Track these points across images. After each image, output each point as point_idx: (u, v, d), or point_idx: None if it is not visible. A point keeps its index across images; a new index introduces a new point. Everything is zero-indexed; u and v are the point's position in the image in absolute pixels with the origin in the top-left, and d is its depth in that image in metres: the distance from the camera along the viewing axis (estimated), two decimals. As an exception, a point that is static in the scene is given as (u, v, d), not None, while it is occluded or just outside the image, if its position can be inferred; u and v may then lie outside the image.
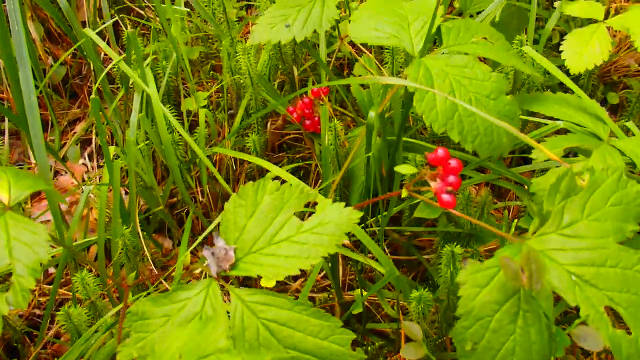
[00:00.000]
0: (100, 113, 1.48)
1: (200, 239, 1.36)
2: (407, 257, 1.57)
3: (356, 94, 1.56)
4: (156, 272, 1.56)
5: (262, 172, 1.69)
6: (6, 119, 1.84)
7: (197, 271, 1.52)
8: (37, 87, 1.53)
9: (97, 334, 1.28)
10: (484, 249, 1.45)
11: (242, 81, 1.62)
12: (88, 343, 1.27)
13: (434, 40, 1.29)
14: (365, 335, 1.46)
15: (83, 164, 1.86)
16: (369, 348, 1.43)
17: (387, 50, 1.59)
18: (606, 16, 1.56)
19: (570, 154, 1.53)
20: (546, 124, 1.31)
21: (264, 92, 1.62)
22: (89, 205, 1.61)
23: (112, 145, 1.79)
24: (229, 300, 0.98)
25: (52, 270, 1.62)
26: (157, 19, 1.79)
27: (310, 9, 1.39)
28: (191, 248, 1.42)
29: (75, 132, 1.91)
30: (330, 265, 1.41)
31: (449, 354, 1.34)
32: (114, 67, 1.64)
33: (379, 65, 1.61)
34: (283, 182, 1.11)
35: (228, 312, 0.97)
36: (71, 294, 1.44)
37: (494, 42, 1.27)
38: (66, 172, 1.81)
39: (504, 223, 1.20)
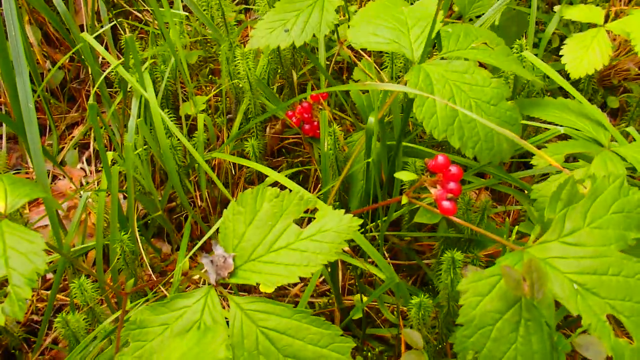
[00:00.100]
0: (98, 118, 1.47)
1: (199, 244, 1.35)
2: (407, 262, 1.56)
3: (355, 98, 1.55)
4: (155, 278, 1.55)
5: (261, 177, 1.68)
6: (3, 124, 1.83)
7: (196, 277, 1.51)
8: (34, 91, 1.52)
9: (95, 341, 1.27)
10: (484, 254, 1.44)
11: (241, 85, 1.61)
12: (86, 350, 1.26)
13: (433, 45, 1.28)
14: (365, 340, 1.45)
15: (81, 168, 1.85)
16: (369, 354, 1.42)
17: (387, 54, 1.59)
18: (606, 20, 1.56)
19: (570, 158, 1.53)
20: (547, 129, 1.31)
21: (263, 97, 1.62)
22: (87, 210, 1.60)
23: (111, 150, 1.78)
24: (228, 306, 0.97)
25: (50, 275, 1.61)
26: (156, 22, 1.78)
27: (309, 14, 1.39)
28: (190, 254, 1.41)
29: (73, 137, 1.90)
30: (329, 270, 1.40)
31: (449, 360, 1.34)
32: (112, 71, 1.63)
33: (379, 70, 1.60)
34: (282, 188, 1.11)
35: (227, 319, 0.96)
36: (69, 299, 1.43)
37: (494, 47, 1.26)
38: (64, 177, 1.80)
39: (505, 229, 1.19)
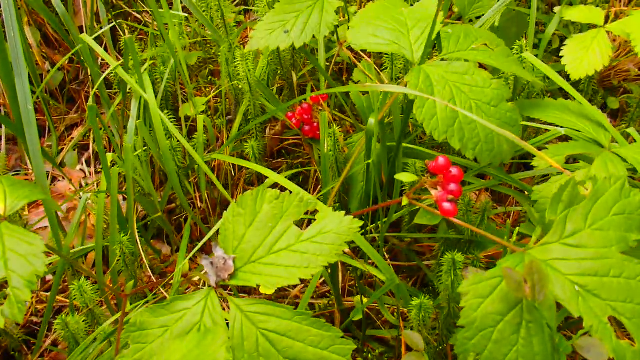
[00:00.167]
0: (98, 119, 1.47)
1: (199, 245, 1.35)
2: (407, 263, 1.56)
3: (355, 99, 1.55)
4: (154, 279, 1.55)
5: (261, 178, 1.68)
6: (3, 125, 1.83)
7: (196, 278, 1.51)
8: (34, 92, 1.51)
9: (95, 342, 1.27)
10: (484, 255, 1.44)
11: (240, 86, 1.61)
12: (86, 352, 1.26)
13: (433, 46, 1.28)
14: (366, 341, 1.45)
15: (81, 169, 1.85)
16: (370, 355, 1.42)
17: (386, 55, 1.59)
18: (606, 21, 1.56)
19: (571, 159, 1.52)
20: (547, 130, 1.31)
21: (263, 98, 1.61)
22: (87, 212, 1.60)
23: (110, 151, 1.78)
24: (228, 308, 0.97)
25: (49, 277, 1.60)
26: (155, 24, 1.78)
27: (308, 15, 1.39)
28: (190, 255, 1.40)
29: (72, 138, 1.89)
30: (329, 271, 1.40)
31: (450, 362, 1.34)
32: (112, 72, 1.63)
33: (378, 71, 1.60)
34: (282, 189, 1.10)
35: (227, 321, 0.96)
36: (69, 301, 1.43)
37: (494, 49, 1.26)
38: (63, 178, 1.80)
39: (506, 231, 1.19)
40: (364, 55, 1.62)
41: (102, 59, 1.90)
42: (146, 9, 1.99)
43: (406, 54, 1.25)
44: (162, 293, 1.46)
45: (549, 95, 1.70)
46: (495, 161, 1.19)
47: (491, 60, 1.24)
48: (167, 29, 1.59)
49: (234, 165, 1.67)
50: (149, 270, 1.54)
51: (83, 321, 1.30)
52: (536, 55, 1.41)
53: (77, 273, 1.49)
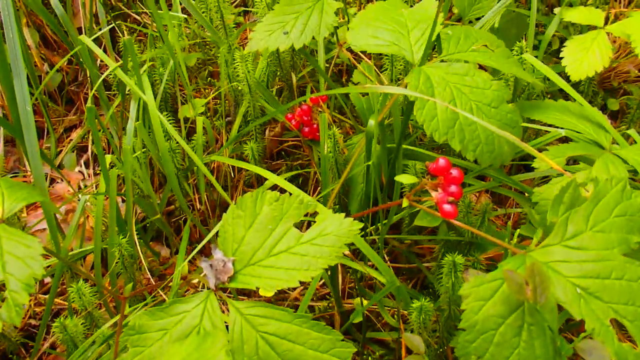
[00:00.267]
0: (97, 121, 1.46)
1: (198, 247, 1.34)
2: (407, 265, 1.56)
3: (355, 101, 1.54)
4: (153, 282, 1.54)
5: (260, 180, 1.67)
6: (1, 127, 1.82)
7: (195, 280, 1.50)
8: (32, 94, 1.51)
9: (93, 345, 1.26)
10: (484, 257, 1.44)
11: (240, 88, 1.61)
12: (85, 355, 1.25)
13: (433, 47, 1.28)
14: (366, 344, 1.44)
15: (79, 171, 1.85)
16: (370, 358, 1.41)
17: (386, 57, 1.58)
18: (606, 22, 1.55)
19: (571, 160, 1.52)
20: (547, 132, 1.30)
21: (262, 99, 1.61)
22: (86, 214, 1.59)
23: (109, 153, 1.77)
24: (227, 310, 0.97)
25: (48, 279, 1.60)
26: (154, 25, 1.77)
27: (308, 16, 1.38)
28: (189, 257, 1.40)
29: (71, 140, 1.89)
30: (329, 273, 1.39)
31: (450, 364, 1.33)
32: (111, 74, 1.62)
33: (378, 72, 1.59)
34: (282, 191, 1.10)
35: (226, 324, 0.95)
36: (67, 303, 1.42)
37: (494, 50, 1.25)
38: (62, 180, 1.79)
39: (507, 233, 1.18)
40: (364, 57, 1.62)
41: (101, 61, 1.90)
42: (145, 10, 1.98)
43: (406, 55, 1.24)
44: (161, 295, 1.46)
45: (549, 96, 1.70)
46: (496, 163, 1.18)
47: (491, 62, 1.23)
48: (166, 30, 1.58)
49: (233, 166, 1.66)
50: (148, 273, 1.53)
51: (81, 324, 1.29)
52: (536, 57, 1.41)
53: (75, 275, 1.48)
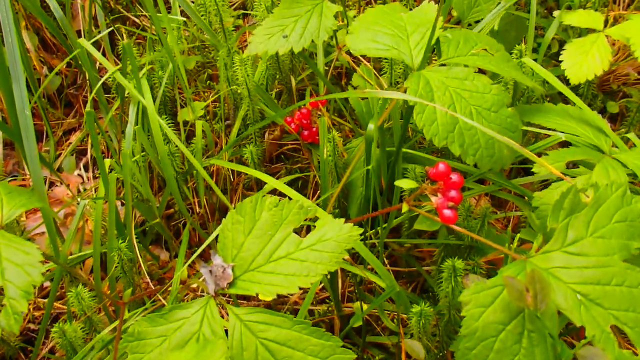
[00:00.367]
0: (96, 124, 1.46)
1: (198, 251, 1.34)
2: (407, 269, 1.55)
3: (355, 105, 1.54)
4: (153, 286, 1.54)
5: (260, 183, 1.67)
6: (0, 131, 1.82)
7: (195, 285, 1.50)
8: (31, 97, 1.51)
9: (93, 350, 1.26)
10: (484, 261, 1.43)
11: (239, 91, 1.60)
12: (84, 360, 1.25)
13: (432, 51, 1.27)
14: (365, 348, 1.44)
15: (78, 175, 1.84)
16: (369, 362, 1.41)
17: (386, 60, 1.58)
18: (605, 25, 1.55)
19: (570, 164, 1.52)
20: (547, 135, 1.30)
21: (262, 103, 1.61)
22: (85, 217, 1.59)
23: (108, 156, 1.77)
24: (227, 315, 0.96)
25: (47, 284, 1.59)
26: (153, 28, 1.77)
27: (307, 20, 1.38)
28: (189, 261, 1.40)
29: (70, 143, 1.88)
30: (329, 277, 1.39)
31: (450, 368, 1.33)
32: (110, 77, 1.62)
33: (378, 75, 1.59)
34: (281, 194, 1.10)
35: (226, 330, 0.95)
36: (66, 308, 1.42)
37: (493, 54, 1.25)
38: (61, 184, 1.79)
39: (507, 237, 1.18)
40: (363, 60, 1.62)
41: (100, 64, 1.89)
42: (144, 13, 1.98)
43: (405, 59, 1.24)
44: (160, 300, 1.45)
45: (548, 99, 1.70)
46: (496, 167, 1.18)
47: (491, 65, 1.23)
48: (165, 33, 1.58)
49: (232, 170, 1.66)
50: (147, 277, 1.53)
51: (81, 329, 1.29)
52: (535, 60, 1.40)
53: (74, 280, 1.48)
